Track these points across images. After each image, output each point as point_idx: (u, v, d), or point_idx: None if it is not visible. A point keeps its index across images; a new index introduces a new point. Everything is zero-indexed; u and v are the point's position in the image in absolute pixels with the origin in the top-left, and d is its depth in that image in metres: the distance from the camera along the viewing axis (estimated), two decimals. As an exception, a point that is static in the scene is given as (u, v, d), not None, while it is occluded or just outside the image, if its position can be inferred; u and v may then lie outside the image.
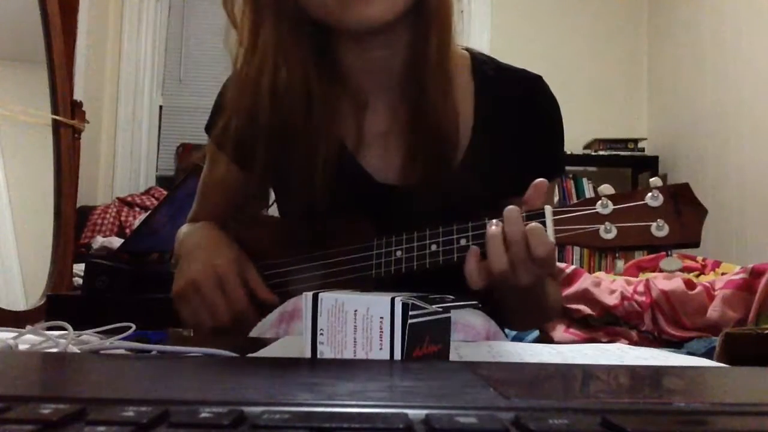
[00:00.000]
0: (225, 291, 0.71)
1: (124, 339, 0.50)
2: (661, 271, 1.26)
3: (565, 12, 3.27)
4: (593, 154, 3.04)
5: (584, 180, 3.06)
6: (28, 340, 0.49)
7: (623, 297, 1.72)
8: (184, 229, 0.83)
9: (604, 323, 1.73)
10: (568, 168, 2.98)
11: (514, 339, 1.16)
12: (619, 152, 3.05)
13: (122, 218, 2.70)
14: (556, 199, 1.07)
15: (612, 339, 1.66)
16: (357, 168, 0.75)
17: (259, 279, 0.74)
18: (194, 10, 3.35)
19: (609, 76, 3.26)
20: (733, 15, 2.56)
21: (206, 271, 0.71)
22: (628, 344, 0.76)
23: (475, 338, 0.64)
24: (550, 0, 3.30)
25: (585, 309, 1.73)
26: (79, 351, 0.46)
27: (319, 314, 0.43)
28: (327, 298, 0.43)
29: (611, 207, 0.60)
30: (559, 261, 2.26)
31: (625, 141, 3.07)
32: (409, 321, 0.40)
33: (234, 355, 0.44)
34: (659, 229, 0.58)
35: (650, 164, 3.00)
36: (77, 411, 0.23)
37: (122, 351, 0.48)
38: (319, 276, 0.71)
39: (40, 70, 1.90)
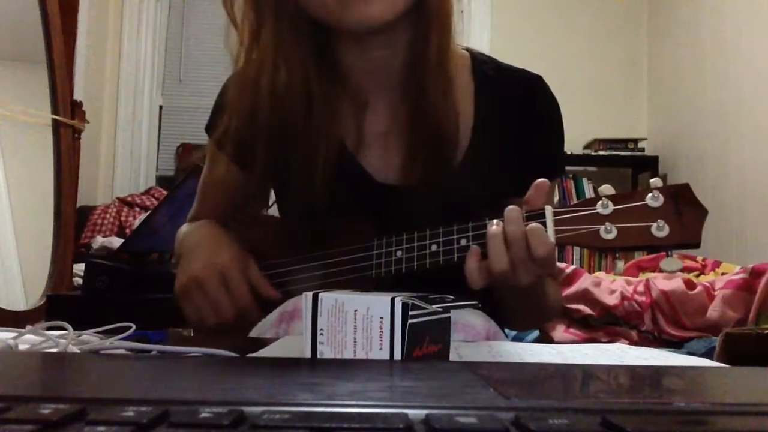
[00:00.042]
0: (228, 288, 0.70)
1: (124, 339, 0.50)
2: (661, 271, 1.26)
3: (565, 12, 3.27)
4: (593, 154, 3.04)
5: (584, 180, 3.06)
6: (28, 340, 0.49)
7: (623, 297, 1.72)
8: (185, 228, 0.83)
9: (604, 323, 1.73)
10: (568, 168, 2.99)
11: (514, 339, 1.16)
12: (619, 152, 3.05)
13: (122, 218, 2.70)
14: (556, 199, 1.07)
15: (612, 339, 1.66)
16: (357, 168, 0.75)
17: (261, 276, 0.74)
18: (194, 10, 3.35)
19: (609, 76, 3.26)
20: (733, 15, 2.56)
21: (209, 268, 0.71)
22: (628, 344, 0.76)
23: (475, 338, 0.64)
24: (550, 0, 3.30)
25: (585, 309, 1.73)
26: (79, 351, 0.46)
27: (319, 314, 0.43)
28: (327, 298, 0.43)
29: (611, 207, 0.60)
30: (559, 261, 2.26)
31: (625, 141, 3.07)
32: (409, 321, 0.40)
33: (234, 355, 0.44)
34: (659, 229, 0.58)
35: (650, 164, 3.01)
36: (77, 411, 0.23)
37: (122, 351, 0.48)
38: (319, 276, 0.70)
39: (40, 70, 1.89)
